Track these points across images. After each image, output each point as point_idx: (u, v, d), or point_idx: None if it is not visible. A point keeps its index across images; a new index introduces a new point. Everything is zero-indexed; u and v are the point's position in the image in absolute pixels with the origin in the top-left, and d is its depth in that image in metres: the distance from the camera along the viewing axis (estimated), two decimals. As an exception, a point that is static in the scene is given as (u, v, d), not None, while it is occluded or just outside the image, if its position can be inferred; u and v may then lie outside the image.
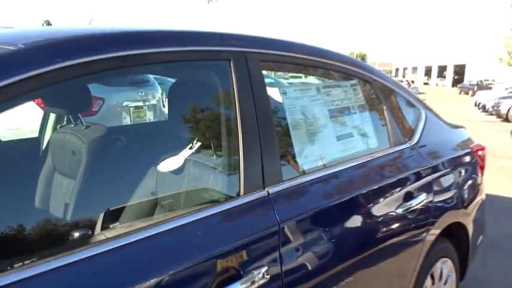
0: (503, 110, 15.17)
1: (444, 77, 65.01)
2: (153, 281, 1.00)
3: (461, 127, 2.63)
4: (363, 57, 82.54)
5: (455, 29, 60.03)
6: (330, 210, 1.47)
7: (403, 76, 76.81)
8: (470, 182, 2.35)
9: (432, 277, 2.13)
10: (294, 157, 1.49)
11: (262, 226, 1.24)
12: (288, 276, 1.27)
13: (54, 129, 2.11)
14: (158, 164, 1.50)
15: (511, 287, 3.08)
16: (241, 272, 1.15)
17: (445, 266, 2.23)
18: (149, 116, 5.10)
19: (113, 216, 1.29)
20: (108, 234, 1.14)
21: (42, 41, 1.03)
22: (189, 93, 1.60)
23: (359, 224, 1.57)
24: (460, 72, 59.37)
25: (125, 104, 4.81)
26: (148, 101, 5.21)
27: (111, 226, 1.25)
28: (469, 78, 48.54)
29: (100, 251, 0.98)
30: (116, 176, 1.56)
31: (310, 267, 1.35)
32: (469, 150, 2.43)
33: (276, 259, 1.24)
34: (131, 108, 4.85)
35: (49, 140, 2.05)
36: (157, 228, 1.09)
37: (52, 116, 2.16)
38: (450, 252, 2.26)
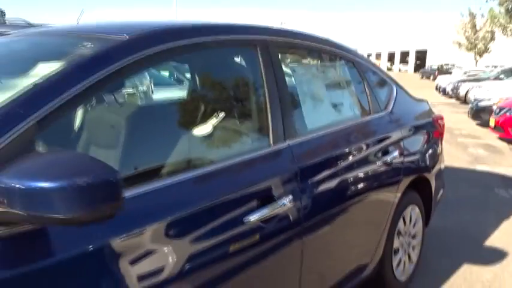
0: (461, 93, 16.11)
1: (407, 63, 66.94)
2: (217, 200, 1.42)
3: (424, 101, 3.18)
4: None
5: (417, 15, 61.80)
6: (332, 158, 1.95)
7: (368, 62, 78.29)
8: (433, 143, 2.91)
9: (404, 220, 2.66)
10: (303, 119, 1.95)
11: (286, 167, 1.71)
12: (304, 203, 1.74)
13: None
14: (203, 127, 1.85)
15: (462, 233, 3.75)
16: (275, 198, 1.61)
17: (414, 212, 2.77)
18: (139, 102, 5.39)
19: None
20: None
21: (141, 30, 1.44)
22: (228, 72, 2.01)
23: (352, 170, 2.06)
24: (421, 57, 61.35)
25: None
26: (138, 88, 5.49)
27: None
28: (431, 63, 50.14)
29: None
30: (159, 140, 1.89)
31: (319, 198, 1.83)
32: (431, 119, 2.98)
33: (296, 190, 1.71)
34: (125, 95, 5.12)
35: (82, 118, 2.38)
36: (215, 165, 1.50)
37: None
38: (417, 201, 2.81)
